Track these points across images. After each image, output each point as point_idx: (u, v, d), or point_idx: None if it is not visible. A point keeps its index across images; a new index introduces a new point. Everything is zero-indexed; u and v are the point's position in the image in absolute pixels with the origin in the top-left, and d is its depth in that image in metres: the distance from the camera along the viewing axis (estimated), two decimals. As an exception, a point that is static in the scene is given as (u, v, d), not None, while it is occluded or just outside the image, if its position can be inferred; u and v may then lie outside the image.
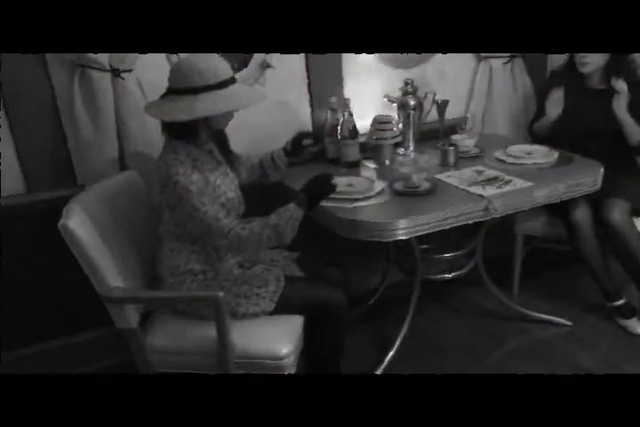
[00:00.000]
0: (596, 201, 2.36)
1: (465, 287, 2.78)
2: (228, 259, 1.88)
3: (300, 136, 2.13)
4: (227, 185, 1.84)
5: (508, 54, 2.72)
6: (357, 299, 2.59)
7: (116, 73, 2.00)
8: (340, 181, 2.11)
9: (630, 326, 2.46)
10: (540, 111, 2.63)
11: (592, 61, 2.42)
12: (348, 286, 2.10)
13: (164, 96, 1.77)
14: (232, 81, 1.76)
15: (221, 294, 1.66)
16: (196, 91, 1.69)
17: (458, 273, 2.43)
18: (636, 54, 2.48)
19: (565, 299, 2.74)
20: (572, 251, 2.46)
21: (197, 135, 1.79)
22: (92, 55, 1.93)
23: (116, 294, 1.71)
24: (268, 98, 1.92)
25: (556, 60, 2.78)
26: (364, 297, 2.68)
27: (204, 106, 1.69)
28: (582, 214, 2.39)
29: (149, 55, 2.07)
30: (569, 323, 2.55)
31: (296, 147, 2.12)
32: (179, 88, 1.72)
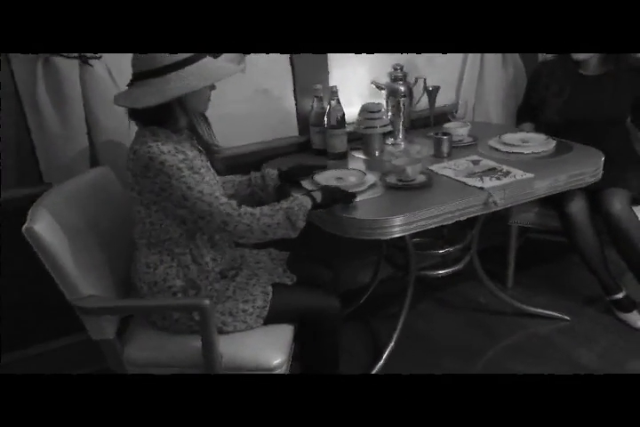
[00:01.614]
0: (593, 191, 2.26)
1: (458, 281, 2.67)
2: (206, 263, 1.71)
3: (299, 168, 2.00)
4: (210, 177, 1.68)
5: (500, 37, 2.59)
6: (348, 296, 2.47)
7: (83, 60, 1.83)
8: (329, 175, 1.99)
9: (631, 320, 2.38)
10: (526, 99, 2.59)
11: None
12: (339, 287, 1.97)
13: (130, 84, 1.61)
14: (201, 56, 1.59)
15: (207, 301, 1.52)
16: (163, 71, 1.53)
17: (453, 269, 2.32)
18: None
19: (562, 292, 2.65)
20: (569, 243, 2.37)
21: (175, 120, 1.62)
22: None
23: (90, 304, 1.56)
24: (243, 71, 1.73)
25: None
26: (355, 294, 2.57)
27: (175, 85, 1.53)
28: (578, 205, 2.29)
29: (119, 40, 1.91)
30: (567, 317, 2.46)
31: (290, 175, 1.97)
32: (145, 71, 1.55)
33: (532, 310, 2.48)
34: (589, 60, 2.39)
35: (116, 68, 1.90)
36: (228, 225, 1.57)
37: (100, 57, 1.86)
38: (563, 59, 2.44)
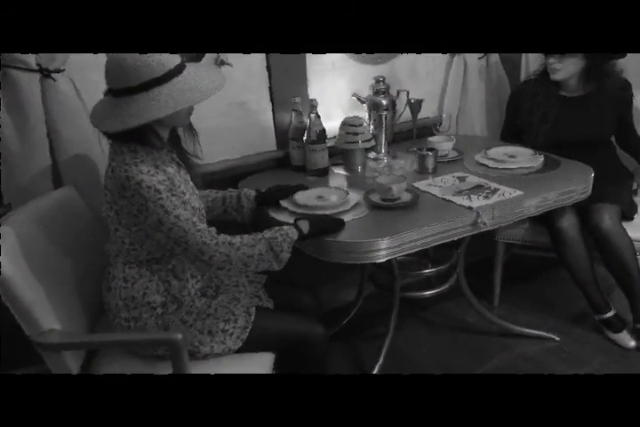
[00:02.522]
0: (583, 207, 2.19)
1: (444, 299, 2.57)
2: (187, 279, 1.61)
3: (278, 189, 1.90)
4: (189, 193, 1.58)
5: (484, 48, 2.52)
6: (330, 316, 2.37)
7: (44, 73, 1.71)
8: (310, 193, 1.89)
9: (621, 341, 2.30)
10: (509, 122, 2.52)
11: (564, 68, 2.25)
12: (321, 312, 1.87)
13: (104, 101, 1.50)
14: (183, 66, 1.47)
15: (180, 335, 1.40)
16: (145, 87, 1.41)
17: (438, 290, 2.22)
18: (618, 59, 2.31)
19: (549, 309, 2.57)
20: (559, 259, 2.29)
21: (156, 136, 1.51)
22: (16, 54, 1.64)
23: (50, 340, 1.43)
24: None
25: (531, 56, 2.63)
26: (338, 313, 2.46)
27: (159, 105, 1.41)
28: (569, 221, 2.21)
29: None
30: (556, 338, 2.38)
31: (268, 197, 1.87)
32: (122, 88, 1.43)
33: (520, 330, 2.40)
34: (569, 81, 2.33)
35: (82, 81, 1.79)
36: (204, 254, 1.48)
37: (64, 70, 1.74)
38: (542, 80, 2.37)
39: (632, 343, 2.29)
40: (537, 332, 2.40)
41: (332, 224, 1.67)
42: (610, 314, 2.31)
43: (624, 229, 2.18)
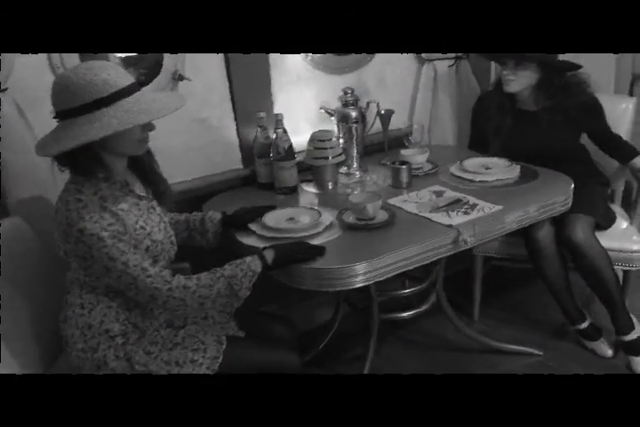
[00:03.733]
0: (557, 217, 2.11)
1: (423, 317, 2.46)
2: (151, 308, 1.49)
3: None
4: (152, 225, 1.46)
5: (454, 55, 2.44)
6: (305, 337, 2.25)
7: (-17, 93, 1.57)
8: (280, 215, 1.78)
9: (598, 350, 2.25)
10: (474, 131, 2.47)
11: (517, 80, 2.19)
12: (295, 342, 1.75)
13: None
14: (135, 88, 1.36)
15: None
16: (90, 107, 1.30)
17: (418, 311, 2.13)
18: (584, 74, 2.25)
19: (531, 322, 2.50)
20: (534, 269, 2.22)
21: (105, 167, 1.39)
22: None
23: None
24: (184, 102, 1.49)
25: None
26: (312, 337, 2.34)
27: (101, 125, 1.29)
28: (545, 231, 2.14)
29: (30, 69, 1.65)
30: (539, 352, 2.30)
31: (235, 220, 1.75)
32: (67, 109, 1.32)
33: (503, 346, 2.31)
34: (522, 94, 2.27)
35: (28, 102, 1.64)
36: (157, 300, 1.39)
37: (6, 89, 1.60)
38: (497, 92, 2.32)
39: (609, 352, 2.24)
40: (519, 347, 2.31)
41: (309, 252, 1.55)
42: (585, 325, 2.26)
43: (597, 241, 2.11)
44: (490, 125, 2.34)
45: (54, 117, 1.35)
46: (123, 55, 1.79)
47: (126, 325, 1.46)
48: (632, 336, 2.18)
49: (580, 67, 2.19)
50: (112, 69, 1.34)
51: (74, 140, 1.29)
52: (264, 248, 1.54)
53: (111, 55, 1.77)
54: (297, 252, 1.53)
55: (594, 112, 2.28)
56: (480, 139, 2.43)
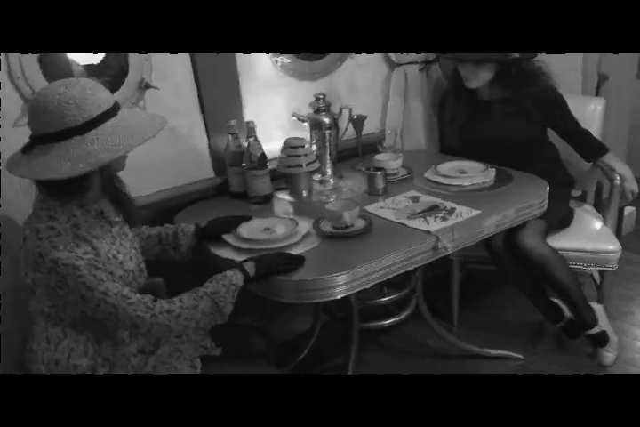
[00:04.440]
0: None
1: (403, 323, 2.44)
2: (122, 339, 1.42)
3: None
4: (125, 252, 1.40)
5: (423, 59, 2.43)
6: (284, 348, 2.22)
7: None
8: (255, 225, 1.73)
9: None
10: (443, 130, 2.48)
11: (477, 78, 2.22)
12: (274, 356, 1.70)
13: (28, 148, 1.27)
14: (118, 106, 1.31)
15: None
16: (81, 130, 1.23)
17: (398, 319, 2.10)
18: (541, 63, 2.25)
19: (509, 325, 2.50)
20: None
21: (87, 190, 1.32)
22: None
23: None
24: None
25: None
26: (291, 347, 2.29)
27: (101, 147, 1.23)
28: (500, 239, 2.13)
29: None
30: (519, 356, 2.29)
31: (209, 231, 1.70)
32: (53, 133, 1.23)
33: (483, 351, 2.30)
34: (481, 87, 2.27)
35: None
36: (140, 328, 1.31)
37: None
38: (452, 83, 2.35)
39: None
40: (500, 352, 2.30)
41: (290, 263, 1.51)
42: (563, 323, 2.25)
43: (546, 244, 2.10)
44: (447, 114, 2.37)
45: (38, 141, 1.27)
46: (86, 63, 1.72)
47: (95, 359, 1.39)
48: (596, 330, 2.19)
49: (534, 55, 2.20)
50: (92, 87, 1.27)
51: (87, 162, 1.22)
52: (243, 260, 1.49)
53: (74, 64, 1.70)
54: (277, 263, 1.49)
55: (551, 102, 2.25)
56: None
